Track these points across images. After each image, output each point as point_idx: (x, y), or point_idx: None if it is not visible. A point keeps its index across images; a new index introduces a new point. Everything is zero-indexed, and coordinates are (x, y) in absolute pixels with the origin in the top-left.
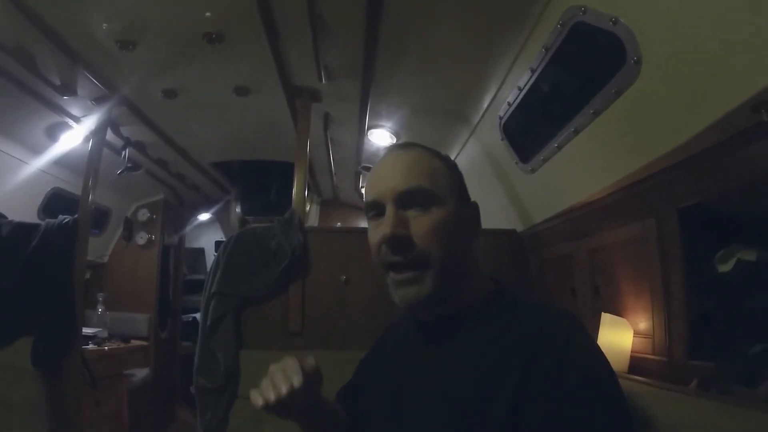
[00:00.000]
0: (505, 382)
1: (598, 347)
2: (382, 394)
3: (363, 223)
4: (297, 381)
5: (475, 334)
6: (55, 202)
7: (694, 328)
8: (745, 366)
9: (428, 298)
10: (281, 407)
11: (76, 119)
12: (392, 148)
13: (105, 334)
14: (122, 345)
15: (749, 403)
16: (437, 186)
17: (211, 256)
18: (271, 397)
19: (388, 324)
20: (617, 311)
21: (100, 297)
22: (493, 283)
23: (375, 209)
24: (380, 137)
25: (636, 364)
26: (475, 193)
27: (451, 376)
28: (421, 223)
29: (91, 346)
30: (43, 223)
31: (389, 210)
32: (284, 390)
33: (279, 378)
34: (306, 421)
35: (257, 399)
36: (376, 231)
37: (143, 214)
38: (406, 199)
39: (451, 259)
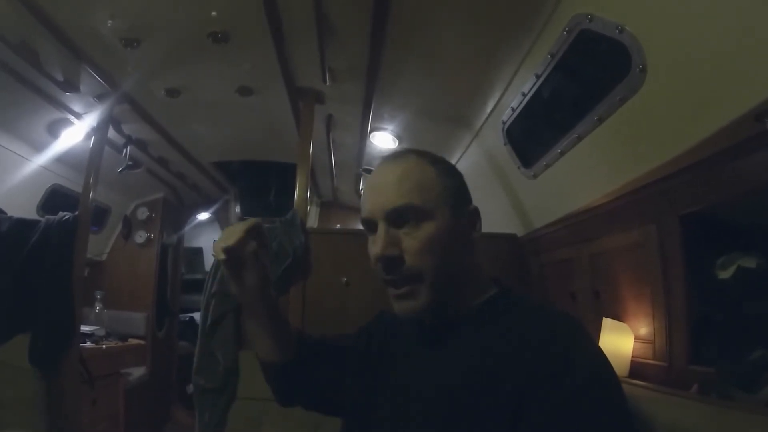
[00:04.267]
0: (507, 385)
1: (600, 349)
2: (384, 394)
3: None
4: (246, 227)
5: (477, 337)
6: (55, 198)
7: (695, 334)
8: (745, 371)
9: (424, 310)
10: (237, 262)
11: (78, 116)
12: (385, 160)
13: (102, 332)
14: (119, 343)
15: (750, 408)
16: (428, 200)
17: (209, 256)
18: (231, 241)
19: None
20: (618, 316)
21: (98, 295)
22: (495, 285)
23: (368, 225)
24: (382, 140)
25: (637, 368)
26: (476, 198)
27: (454, 379)
28: (412, 241)
29: (88, 344)
30: (42, 219)
31: (380, 229)
32: (238, 235)
33: (231, 231)
34: (254, 302)
35: (219, 252)
36: (371, 247)
37: (142, 213)
38: (397, 217)
39: (444, 271)
